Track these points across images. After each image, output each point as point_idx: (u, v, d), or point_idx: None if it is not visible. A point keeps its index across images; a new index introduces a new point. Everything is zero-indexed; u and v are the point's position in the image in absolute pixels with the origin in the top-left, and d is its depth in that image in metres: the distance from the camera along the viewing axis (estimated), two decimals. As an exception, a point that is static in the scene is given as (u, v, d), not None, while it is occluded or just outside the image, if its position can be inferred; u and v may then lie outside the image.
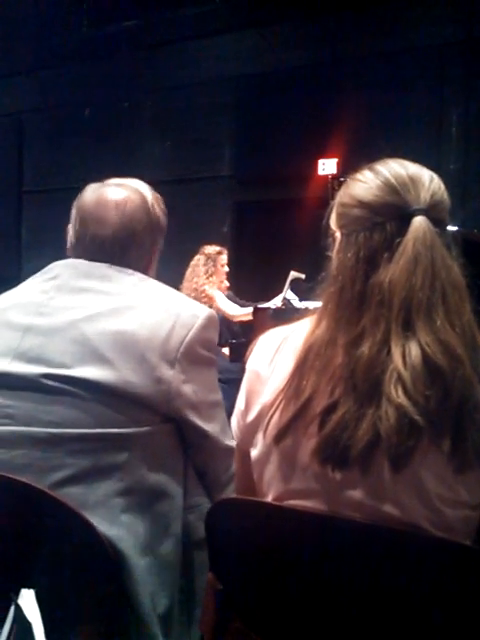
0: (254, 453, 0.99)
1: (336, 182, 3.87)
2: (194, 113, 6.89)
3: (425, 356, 0.84)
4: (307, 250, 5.85)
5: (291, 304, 4.53)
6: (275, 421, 0.94)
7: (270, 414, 0.94)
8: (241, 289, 4.93)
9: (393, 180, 0.93)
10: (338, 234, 1.00)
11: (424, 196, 0.92)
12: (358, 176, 0.99)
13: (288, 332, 1.01)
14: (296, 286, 4.70)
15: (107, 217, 1.28)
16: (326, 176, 5.91)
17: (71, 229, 1.33)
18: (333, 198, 4.08)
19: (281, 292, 4.62)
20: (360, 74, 6.03)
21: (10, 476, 1.06)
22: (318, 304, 4.16)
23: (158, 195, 1.40)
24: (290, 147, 6.21)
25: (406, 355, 0.84)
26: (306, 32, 6.21)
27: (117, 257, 1.25)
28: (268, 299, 4.70)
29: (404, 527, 0.86)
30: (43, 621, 0.92)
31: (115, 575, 1.05)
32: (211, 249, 4.51)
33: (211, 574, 1.02)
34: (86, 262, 1.25)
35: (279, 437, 0.93)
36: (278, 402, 0.93)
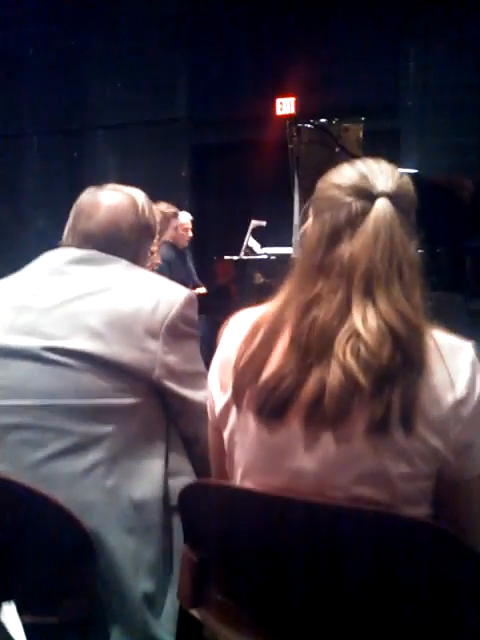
0: (226, 433, 1.05)
1: (294, 128, 3.80)
2: (146, 52, 6.64)
3: (383, 321, 0.91)
4: (267, 193, 5.83)
5: (253, 252, 4.50)
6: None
7: (239, 391, 0.99)
8: (203, 234, 4.87)
9: (365, 170, 1.02)
10: (311, 216, 1.06)
11: (390, 184, 1.00)
12: (336, 168, 1.07)
13: (258, 313, 1.05)
14: (257, 234, 4.67)
15: (97, 214, 1.40)
16: (284, 116, 5.80)
17: (66, 225, 1.44)
18: (291, 142, 3.99)
19: (242, 237, 4.58)
20: (316, 10, 5.87)
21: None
22: (279, 250, 4.13)
23: (152, 204, 1.50)
24: (247, 87, 6.07)
25: (365, 319, 0.91)
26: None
27: (102, 248, 1.36)
28: (230, 245, 4.66)
29: (352, 501, 0.91)
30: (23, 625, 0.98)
31: (92, 557, 1.10)
32: (164, 207, 4.28)
33: (186, 546, 1.08)
34: (75, 249, 1.36)
35: (235, 404, 1.00)
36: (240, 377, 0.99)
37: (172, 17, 6.48)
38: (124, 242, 1.39)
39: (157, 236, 1.50)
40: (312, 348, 0.92)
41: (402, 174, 1.04)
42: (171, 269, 4.50)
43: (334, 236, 0.97)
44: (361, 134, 3.86)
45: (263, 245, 4.64)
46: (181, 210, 4.91)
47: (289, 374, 0.92)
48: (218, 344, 1.09)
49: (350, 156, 3.77)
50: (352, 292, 0.93)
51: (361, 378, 0.88)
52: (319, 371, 0.91)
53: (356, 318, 0.91)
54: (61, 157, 7.30)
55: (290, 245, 4.00)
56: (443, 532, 0.87)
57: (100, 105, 7.06)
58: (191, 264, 4.95)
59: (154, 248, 1.49)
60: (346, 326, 0.92)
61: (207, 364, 1.36)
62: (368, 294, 0.93)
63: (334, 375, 0.89)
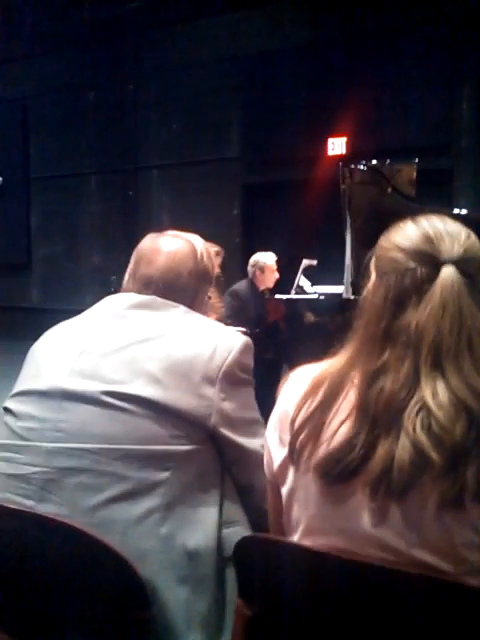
0: (284, 490, 1.03)
1: (346, 169, 3.82)
2: (200, 95, 6.83)
3: (454, 396, 0.89)
4: (317, 232, 5.85)
5: (303, 291, 4.50)
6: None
7: (297, 450, 0.99)
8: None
9: (430, 231, 0.99)
10: (373, 275, 1.05)
11: (457, 249, 0.97)
12: (400, 225, 1.04)
13: (318, 369, 1.04)
14: (308, 273, 4.68)
15: (157, 259, 1.42)
16: (335, 156, 5.85)
17: (127, 270, 1.47)
18: (343, 183, 3.98)
19: (293, 275, 4.59)
20: (368, 51, 5.94)
21: (43, 514, 1.12)
22: (330, 289, 4.08)
23: (211, 250, 1.53)
24: (298, 127, 6.15)
25: (435, 393, 0.89)
26: (312, 9, 6.11)
27: (161, 294, 1.37)
28: (281, 284, 4.67)
29: (414, 564, 0.88)
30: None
31: (148, 605, 1.09)
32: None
33: (240, 600, 1.06)
34: (135, 294, 1.39)
35: (292, 462, 0.99)
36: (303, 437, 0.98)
37: (226, 60, 6.66)
38: (183, 288, 1.40)
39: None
40: (380, 419, 0.90)
41: (469, 233, 1.01)
42: (244, 308, 4.50)
43: (399, 302, 0.96)
44: (414, 175, 3.85)
45: (314, 284, 4.64)
46: (235, 249, 4.96)
47: (357, 444, 0.91)
48: (276, 395, 1.09)
49: (403, 197, 3.76)
50: (420, 363, 0.91)
51: (433, 454, 0.86)
52: (387, 443, 0.89)
53: (425, 391, 0.89)
54: (117, 196, 7.51)
55: (341, 284, 4.00)
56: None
57: (155, 146, 7.27)
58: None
59: (211, 294, 1.51)
60: (415, 399, 0.90)
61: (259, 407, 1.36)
62: (437, 366, 0.91)
63: (403, 449, 0.87)
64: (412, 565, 0.88)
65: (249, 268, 4.71)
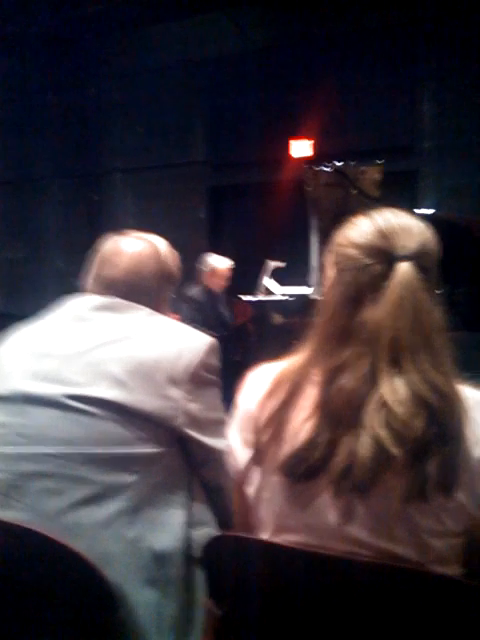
0: (251, 489, 1.03)
1: (311, 171, 3.84)
2: (163, 98, 6.80)
3: (413, 391, 0.89)
4: (283, 234, 5.87)
5: (270, 292, 4.51)
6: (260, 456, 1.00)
7: (261, 450, 0.99)
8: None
9: (383, 226, 0.99)
10: (331, 271, 1.05)
11: (411, 244, 0.97)
12: (355, 220, 1.05)
13: (278, 367, 1.04)
14: (275, 274, 4.69)
15: (119, 261, 1.40)
16: (300, 158, 5.88)
17: (89, 272, 1.45)
18: (308, 185, 4.02)
19: (260, 277, 4.60)
20: (330, 53, 5.99)
21: (6, 521, 1.09)
22: (297, 291, 4.10)
23: (175, 252, 1.51)
24: (263, 130, 6.17)
25: (393, 390, 0.89)
26: (274, 12, 6.14)
27: (124, 296, 1.36)
28: (248, 286, 4.66)
29: (383, 557, 0.89)
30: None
31: (115, 608, 1.08)
32: None
33: (209, 600, 1.06)
34: (98, 296, 1.37)
35: (258, 462, 1.00)
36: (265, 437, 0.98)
37: (189, 63, 6.65)
38: (146, 289, 1.39)
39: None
40: (341, 416, 0.91)
41: (421, 226, 1.01)
42: (202, 313, 4.50)
43: (357, 300, 0.96)
44: (378, 176, 3.89)
45: (281, 286, 4.65)
46: (202, 252, 4.94)
47: (320, 443, 0.91)
48: (238, 395, 1.09)
49: (367, 198, 3.80)
50: (379, 361, 0.91)
51: (394, 449, 0.86)
52: (349, 441, 0.89)
53: (384, 388, 0.90)
54: (80, 200, 7.44)
55: (308, 286, 4.01)
56: (476, 590, 0.85)
57: (119, 149, 7.21)
58: (224, 308, 4.89)
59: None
60: (375, 396, 0.90)
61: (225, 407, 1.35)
62: (395, 363, 0.91)
63: (364, 446, 0.88)
64: (380, 557, 0.89)
65: (201, 268, 4.64)
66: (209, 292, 4.70)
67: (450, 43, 5.57)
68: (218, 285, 4.74)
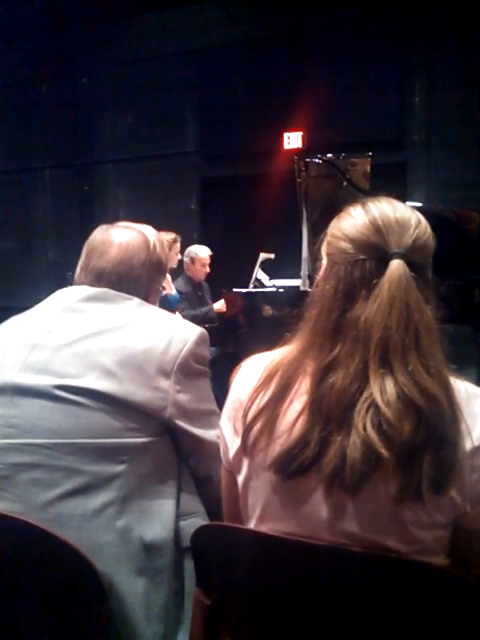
0: (240, 478, 1.03)
1: (302, 162, 3.84)
2: (155, 88, 6.76)
3: (402, 393, 0.89)
4: (275, 225, 5.87)
5: (261, 284, 4.52)
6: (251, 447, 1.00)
7: (251, 441, 0.99)
8: (212, 266, 4.89)
9: (379, 220, 0.97)
10: (325, 261, 1.04)
11: (406, 240, 0.96)
12: (350, 210, 1.03)
13: (271, 357, 1.04)
14: (266, 266, 4.69)
15: (109, 251, 1.40)
16: (291, 150, 5.88)
17: (79, 263, 1.45)
18: (299, 176, 4.01)
19: (251, 269, 4.60)
20: (323, 45, 5.97)
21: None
22: (288, 282, 4.10)
23: (168, 238, 1.47)
24: (254, 121, 6.16)
25: (383, 390, 0.89)
26: (266, 3, 6.11)
27: (114, 286, 1.36)
28: (239, 277, 4.67)
29: (370, 547, 0.90)
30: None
31: (104, 598, 1.08)
32: (166, 236, 4.36)
33: (198, 589, 1.06)
34: (88, 287, 1.37)
35: (247, 452, 0.99)
36: (258, 428, 0.98)
37: (181, 53, 6.61)
38: (136, 279, 1.39)
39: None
40: (332, 415, 0.90)
41: (419, 219, 0.99)
42: (188, 302, 4.55)
43: (349, 295, 0.95)
44: (368, 168, 3.89)
45: (272, 277, 4.66)
46: (192, 243, 4.96)
47: (311, 441, 0.90)
48: (230, 385, 1.09)
49: (357, 190, 3.81)
50: (369, 360, 0.91)
51: (383, 451, 0.86)
52: (339, 440, 0.89)
53: (374, 388, 0.89)
54: (72, 191, 7.40)
55: (299, 277, 4.02)
56: (462, 580, 0.86)
57: (110, 140, 7.18)
58: (208, 298, 4.95)
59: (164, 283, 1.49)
60: (365, 395, 0.89)
61: (216, 397, 1.36)
62: (385, 363, 0.90)
63: (354, 446, 0.87)
64: (367, 548, 0.90)
65: (183, 258, 4.71)
66: (190, 282, 4.77)
67: (440, 37, 5.58)
68: (200, 273, 4.80)
